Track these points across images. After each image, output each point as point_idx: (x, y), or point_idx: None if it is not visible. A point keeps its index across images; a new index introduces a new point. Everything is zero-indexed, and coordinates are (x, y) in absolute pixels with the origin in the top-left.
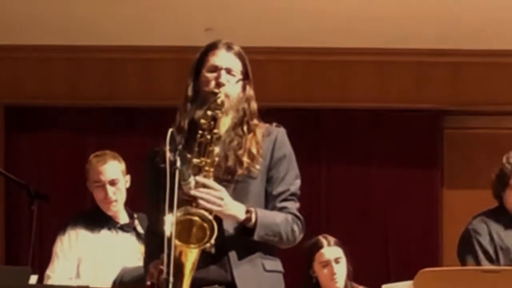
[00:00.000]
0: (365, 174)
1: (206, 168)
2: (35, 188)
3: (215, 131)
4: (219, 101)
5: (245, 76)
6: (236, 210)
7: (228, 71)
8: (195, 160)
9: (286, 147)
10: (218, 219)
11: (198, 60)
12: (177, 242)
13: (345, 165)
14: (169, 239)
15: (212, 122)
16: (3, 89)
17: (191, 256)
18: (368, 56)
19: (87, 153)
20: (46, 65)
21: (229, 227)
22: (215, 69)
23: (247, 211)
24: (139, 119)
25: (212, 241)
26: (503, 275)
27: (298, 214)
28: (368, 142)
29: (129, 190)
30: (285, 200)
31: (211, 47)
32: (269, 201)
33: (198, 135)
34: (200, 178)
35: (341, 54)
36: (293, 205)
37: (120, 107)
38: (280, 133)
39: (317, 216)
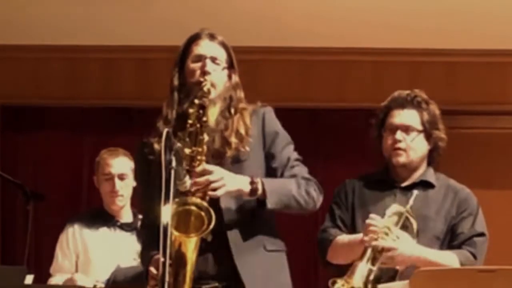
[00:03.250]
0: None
1: (198, 157)
2: (31, 188)
3: (204, 119)
4: (205, 88)
5: (230, 65)
6: (240, 183)
7: (213, 59)
8: (187, 150)
9: (276, 124)
10: (216, 206)
11: (182, 51)
12: (176, 233)
13: (341, 164)
14: (165, 232)
15: (200, 111)
16: (0, 89)
17: (190, 245)
18: (364, 56)
19: (84, 153)
20: (43, 65)
21: (228, 210)
22: (200, 58)
23: (252, 182)
24: (137, 119)
25: (211, 227)
26: (498, 274)
27: (309, 176)
28: (365, 141)
29: (134, 189)
30: (292, 167)
31: (194, 38)
32: (276, 176)
33: (188, 125)
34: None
35: (337, 54)
36: (301, 170)
37: (118, 107)
38: (267, 111)
39: (314, 216)
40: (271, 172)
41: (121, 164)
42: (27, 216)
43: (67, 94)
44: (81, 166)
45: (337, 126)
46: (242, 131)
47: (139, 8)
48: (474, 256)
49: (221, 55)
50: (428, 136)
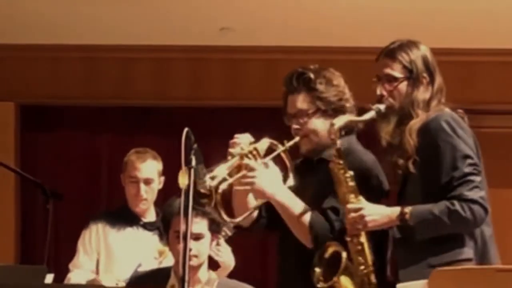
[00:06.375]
0: None
1: (352, 196)
2: (51, 187)
3: (340, 161)
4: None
5: (411, 74)
6: (387, 215)
7: (388, 78)
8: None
9: (435, 137)
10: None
11: None
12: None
13: None
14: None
15: (338, 155)
16: (19, 89)
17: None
18: None
19: (102, 152)
20: (61, 64)
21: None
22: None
23: (402, 213)
24: (154, 118)
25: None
26: None
27: (469, 196)
28: (380, 141)
29: (160, 190)
30: (453, 188)
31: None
32: (435, 196)
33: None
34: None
35: (350, 53)
36: (461, 190)
37: (135, 106)
38: (433, 122)
39: None
40: (431, 190)
41: (148, 169)
42: (47, 215)
43: (85, 94)
44: (99, 165)
45: None
46: (409, 148)
47: (156, 8)
48: None
49: (396, 69)
50: None
